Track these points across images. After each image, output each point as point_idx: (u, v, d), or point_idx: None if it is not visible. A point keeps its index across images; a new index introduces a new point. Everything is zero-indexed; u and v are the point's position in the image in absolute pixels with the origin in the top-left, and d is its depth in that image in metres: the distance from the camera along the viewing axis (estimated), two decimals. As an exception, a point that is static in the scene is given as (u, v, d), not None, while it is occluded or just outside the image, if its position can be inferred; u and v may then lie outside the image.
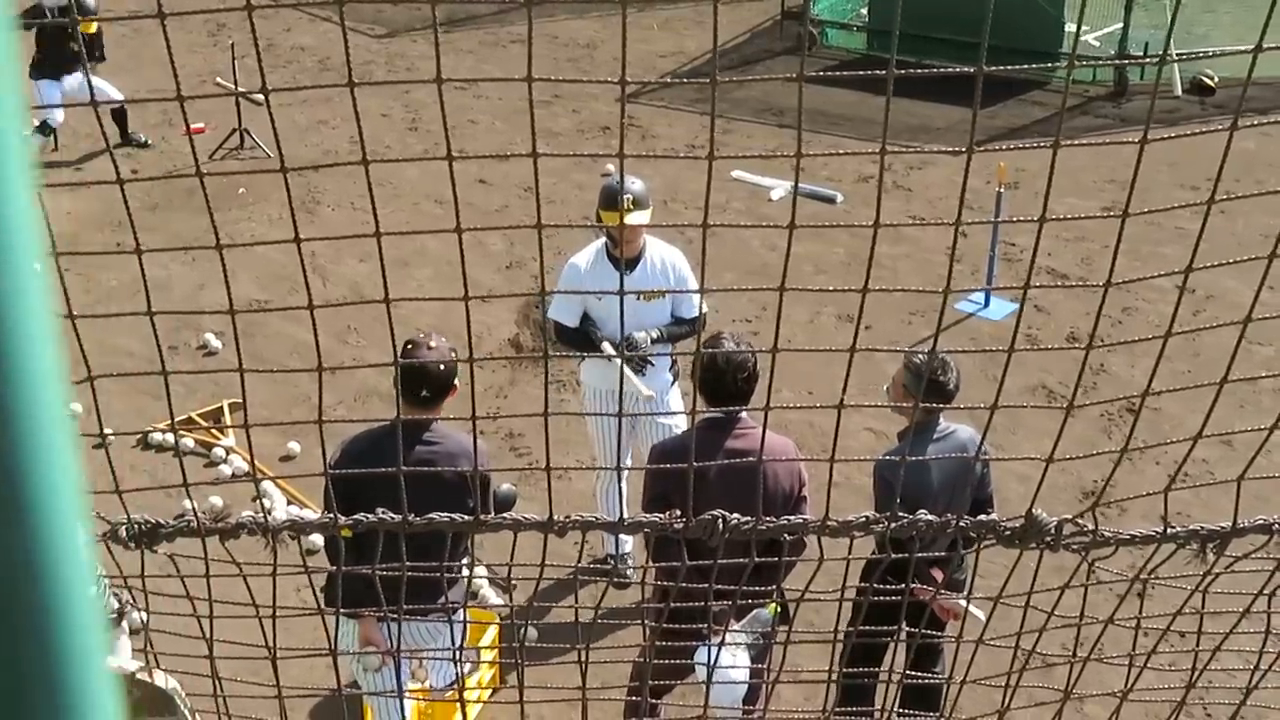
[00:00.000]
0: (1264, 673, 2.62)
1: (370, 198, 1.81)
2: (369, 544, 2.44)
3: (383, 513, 2.24)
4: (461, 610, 4.08)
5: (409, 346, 4.91)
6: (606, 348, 6.07)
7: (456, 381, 4.91)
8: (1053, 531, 2.18)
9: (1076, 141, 2.16)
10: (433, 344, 4.88)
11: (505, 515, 2.25)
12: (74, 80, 10.71)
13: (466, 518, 2.20)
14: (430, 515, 2.16)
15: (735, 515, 2.24)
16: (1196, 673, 2.67)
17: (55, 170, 10.81)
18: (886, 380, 5.75)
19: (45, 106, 10.77)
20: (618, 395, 6.19)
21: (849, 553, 2.42)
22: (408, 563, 2.39)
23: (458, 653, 2.78)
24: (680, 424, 6.16)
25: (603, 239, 6.26)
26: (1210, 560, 2.35)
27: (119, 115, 11.09)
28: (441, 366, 4.79)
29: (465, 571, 4.77)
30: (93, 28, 10.66)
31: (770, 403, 2.28)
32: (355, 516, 2.23)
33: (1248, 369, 7.88)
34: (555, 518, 2.13)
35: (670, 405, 6.29)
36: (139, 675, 2.27)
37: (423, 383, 4.79)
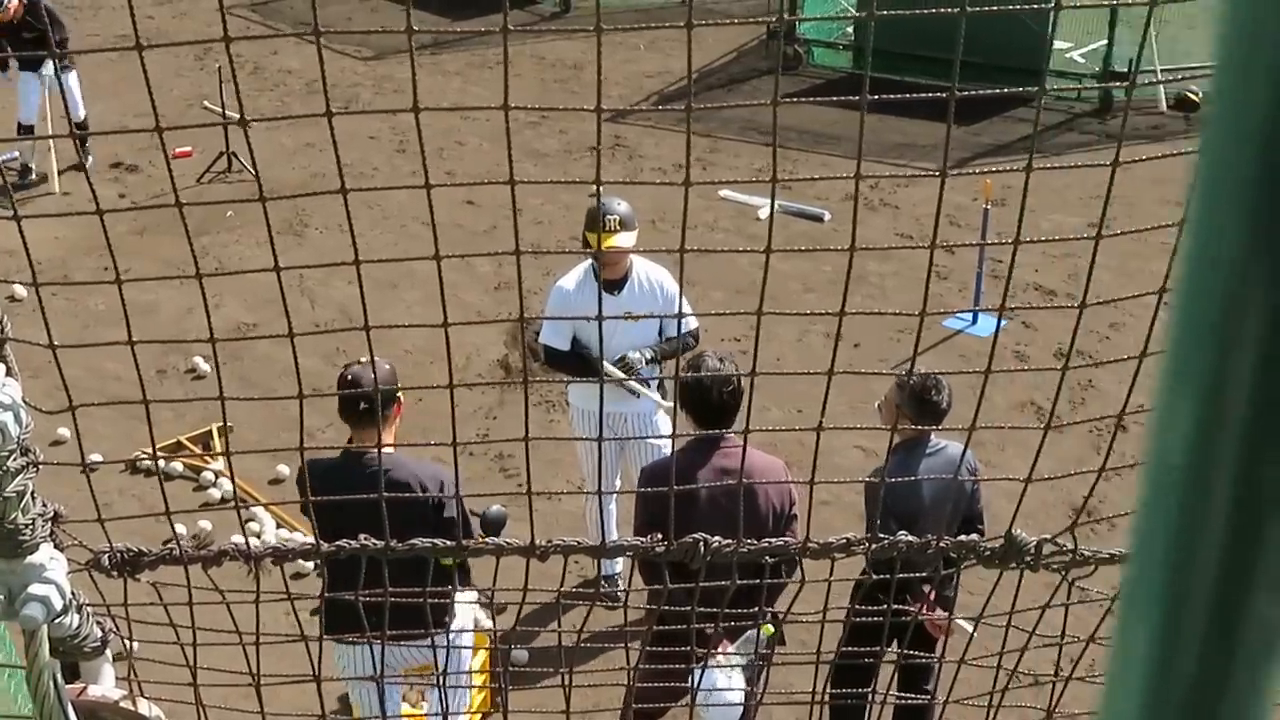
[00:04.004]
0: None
1: (349, 226, 1.81)
2: (347, 570, 2.44)
3: (365, 539, 2.24)
4: (447, 635, 4.07)
5: (345, 371, 4.93)
6: (608, 367, 6.06)
7: (400, 395, 4.92)
8: (1032, 551, 2.18)
9: (1051, 164, 2.18)
10: (363, 360, 4.85)
11: (488, 539, 2.25)
12: (47, 70, 10.43)
13: (448, 543, 2.20)
14: (413, 541, 2.16)
15: (717, 538, 2.24)
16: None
17: (40, 198, 10.80)
18: (875, 398, 5.77)
19: (13, 142, 10.69)
20: (608, 419, 6.22)
21: (830, 573, 2.42)
22: (391, 588, 2.39)
23: (442, 678, 2.77)
24: (669, 445, 6.17)
25: (590, 260, 6.27)
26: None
27: (82, 127, 10.93)
28: (361, 402, 4.67)
29: (457, 597, 4.76)
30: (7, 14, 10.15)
31: (758, 422, 2.29)
32: (339, 543, 2.23)
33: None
34: (538, 542, 2.13)
35: (659, 427, 6.30)
36: (122, 704, 2.27)
37: (359, 398, 4.68)
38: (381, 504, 2.19)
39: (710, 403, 4.92)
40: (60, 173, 10.91)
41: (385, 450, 4.79)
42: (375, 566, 2.29)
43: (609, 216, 5.91)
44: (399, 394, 4.89)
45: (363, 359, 4.86)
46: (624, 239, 5.98)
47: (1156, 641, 0.45)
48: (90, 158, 11.04)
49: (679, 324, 5.61)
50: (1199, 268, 0.43)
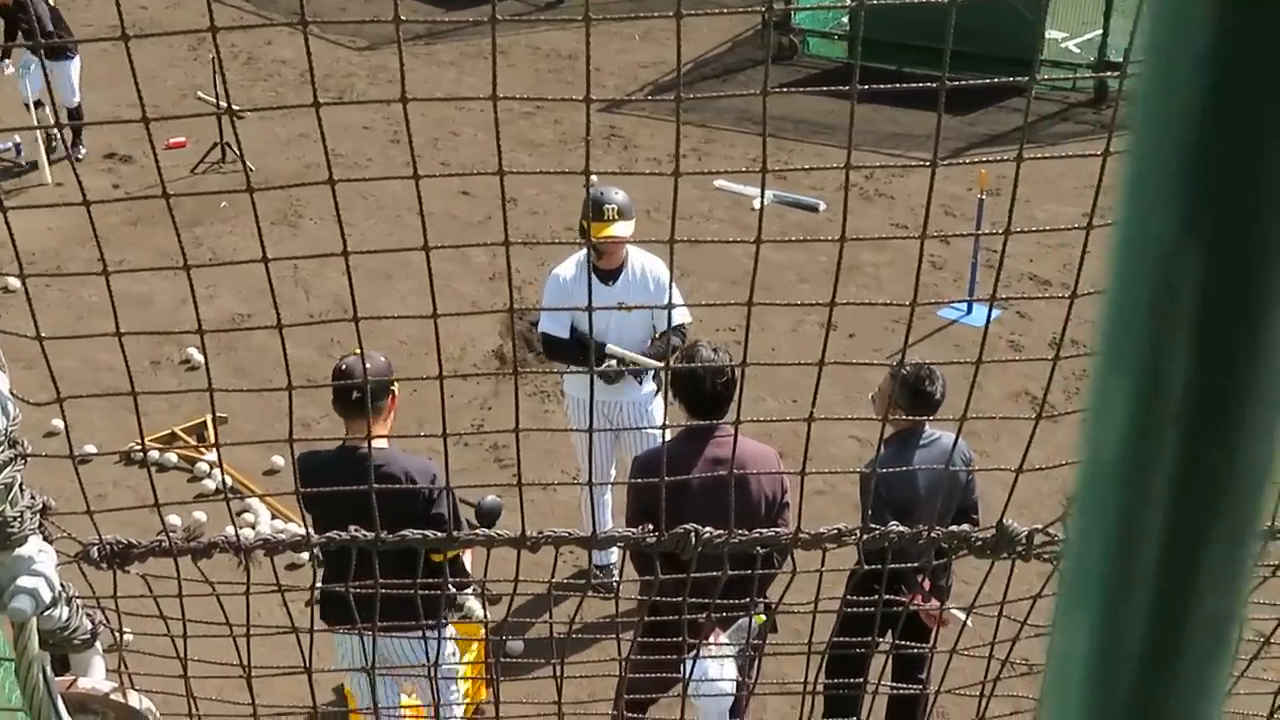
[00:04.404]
0: (1236, 678, 2.63)
1: (338, 218, 1.81)
2: (343, 562, 2.44)
3: (355, 530, 2.23)
4: (439, 629, 4.07)
5: (339, 362, 4.92)
6: (613, 348, 6.04)
7: (395, 389, 4.88)
8: (1024, 541, 2.18)
9: (1044, 154, 2.17)
10: (358, 351, 4.83)
11: (478, 531, 2.24)
12: (31, 60, 10.62)
13: (439, 534, 2.20)
14: (403, 532, 2.16)
15: (708, 529, 2.24)
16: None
17: (34, 189, 10.78)
18: (870, 388, 5.77)
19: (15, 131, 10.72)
20: (603, 407, 6.22)
21: (822, 564, 2.42)
22: (385, 579, 2.39)
23: (434, 669, 2.77)
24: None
25: (586, 249, 6.26)
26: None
27: (75, 116, 10.98)
28: (354, 393, 4.67)
29: (448, 589, 4.74)
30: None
31: (753, 413, 2.29)
32: (329, 534, 2.23)
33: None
34: (529, 533, 2.13)
35: (654, 416, 6.30)
36: (112, 696, 2.26)
37: (353, 388, 4.66)
38: (371, 496, 2.19)
39: (703, 393, 4.91)
40: (52, 163, 10.90)
41: (379, 444, 4.79)
42: (367, 559, 2.29)
43: (607, 205, 5.91)
44: (393, 387, 4.87)
45: (358, 350, 4.83)
46: (622, 228, 5.97)
47: (1098, 638, 0.44)
48: (84, 149, 11.04)
49: (669, 315, 5.60)
50: (1129, 256, 0.42)
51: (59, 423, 6.97)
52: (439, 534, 2.20)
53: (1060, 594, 0.46)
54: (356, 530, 2.24)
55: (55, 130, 10.73)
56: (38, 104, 10.72)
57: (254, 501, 7.17)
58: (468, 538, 2.25)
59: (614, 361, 6.09)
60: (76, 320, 8.50)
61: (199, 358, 8.48)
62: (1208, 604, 0.42)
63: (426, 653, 2.76)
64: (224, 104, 10.17)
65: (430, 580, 3.71)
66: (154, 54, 12.20)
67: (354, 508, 2.41)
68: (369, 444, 2.46)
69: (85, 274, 2.30)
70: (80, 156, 11.09)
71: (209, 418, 7.75)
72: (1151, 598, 0.43)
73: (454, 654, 5.35)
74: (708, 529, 2.23)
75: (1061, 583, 0.47)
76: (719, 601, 2.70)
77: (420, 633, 3.00)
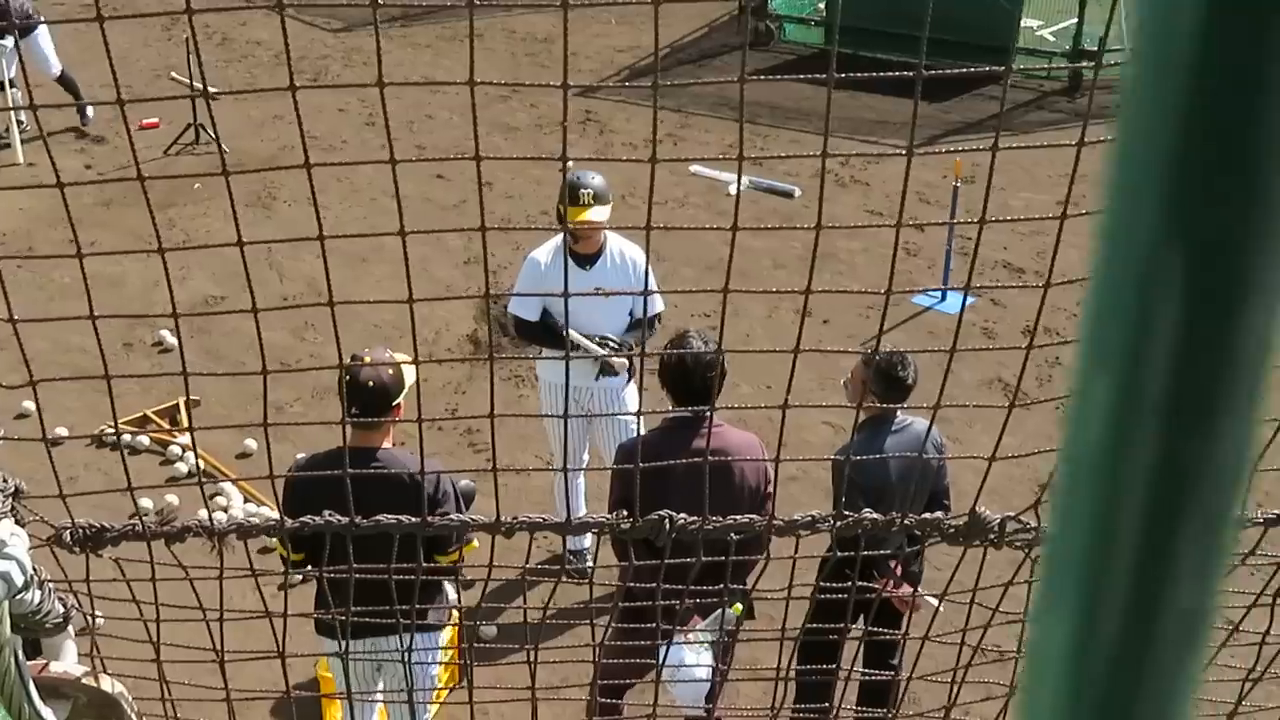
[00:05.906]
0: (1206, 666, 2.65)
1: (314, 201, 1.80)
2: (342, 585, 2.43)
3: (329, 514, 2.23)
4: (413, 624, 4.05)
5: (359, 375, 4.68)
6: (576, 336, 6.02)
7: (401, 401, 4.68)
8: (996, 529, 2.20)
9: (1019, 144, 2.18)
10: (367, 359, 4.66)
11: (454, 515, 2.24)
12: (6, 41, 10.56)
13: (414, 519, 2.20)
14: (377, 517, 2.15)
15: (682, 515, 2.24)
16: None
17: (4, 169, 10.69)
18: (844, 374, 5.79)
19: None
20: (575, 393, 6.21)
21: (795, 550, 2.43)
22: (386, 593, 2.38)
23: (408, 653, 2.76)
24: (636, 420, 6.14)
25: (563, 234, 6.24)
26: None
27: (69, 85, 10.92)
28: (370, 383, 4.56)
29: (442, 592, 4.74)
30: None
31: (728, 398, 2.29)
32: (303, 519, 2.22)
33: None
34: (503, 518, 2.13)
35: (627, 403, 6.29)
36: (85, 680, 2.26)
37: (353, 400, 4.46)
38: (348, 484, 2.18)
39: (693, 386, 4.89)
40: (24, 142, 10.82)
41: (385, 446, 4.73)
42: (372, 572, 2.27)
43: (583, 190, 5.89)
44: (399, 400, 4.70)
45: (368, 356, 4.70)
46: (598, 213, 5.95)
47: (1074, 630, 0.44)
48: (90, 112, 11.02)
49: (645, 304, 5.57)
50: (1112, 250, 0.43)
51: (30, 405, 6.93)
52: (414, 519, 2.19)
53: (1038, 586, 0.46)
54: (331, 515, 2.24)
55: (28, 111, 10.65)
56: (11, 84, 10.63)
57: (227, 485, 7.14)
58: (442, 523, 2.25)
59: (591, 349, 6.08)
60: (48, 301, 8.44)
61: (171, 340, 8.44)
62: (1183, 596, 0.42)
63: (405, 656, 2.74)
64: (199, 85, 10.09)
65: (421, 575, 3.70)
66: (128, 34, 12.10)
67: (361, 509, 2.37)
68: (344, 446, 2.42)
69: (59, 256, 2.29)
70: (90, 118, 11.09)
71: (182, 400, 7.72)
72: (1128, 589, 0.43)
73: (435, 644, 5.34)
74: (681, 515, 2.24)
75: (1040, 575, 0.47)
76: (696, 589, 2.71)
77: (411, 634, 2.97)
